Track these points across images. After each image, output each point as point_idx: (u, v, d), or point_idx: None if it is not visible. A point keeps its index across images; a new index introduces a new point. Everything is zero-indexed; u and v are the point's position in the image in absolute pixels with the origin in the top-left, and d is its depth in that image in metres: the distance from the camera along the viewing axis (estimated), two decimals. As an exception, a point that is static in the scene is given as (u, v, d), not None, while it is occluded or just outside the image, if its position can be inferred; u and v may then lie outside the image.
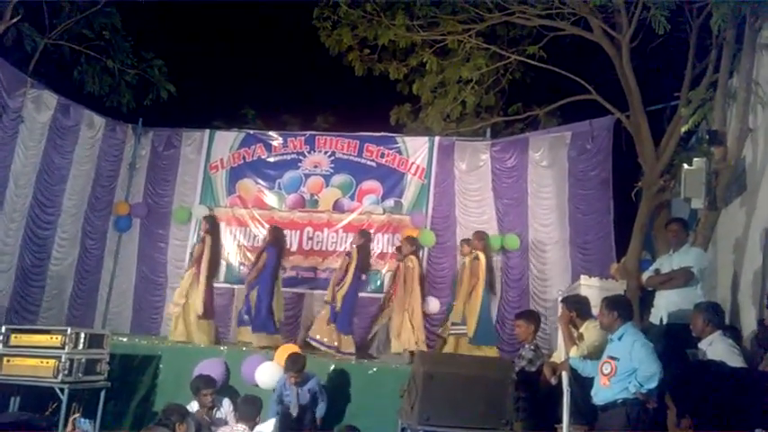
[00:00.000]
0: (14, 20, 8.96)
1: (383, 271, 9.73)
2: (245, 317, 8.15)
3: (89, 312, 10.29)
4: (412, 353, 7.21)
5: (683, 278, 5.56)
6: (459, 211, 9.99)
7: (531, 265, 9.46)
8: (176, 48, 10.96)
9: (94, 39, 10.12)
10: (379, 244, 9.87)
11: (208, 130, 10.84)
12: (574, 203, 9.25)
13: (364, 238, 8.44)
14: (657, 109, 8.21)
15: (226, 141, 10.72)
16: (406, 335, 7.58)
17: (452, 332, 7.74)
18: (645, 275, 6.06)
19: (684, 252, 5.67)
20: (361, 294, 8.66)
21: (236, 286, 9.78)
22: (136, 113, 10.88)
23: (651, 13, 7.11)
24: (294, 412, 6.23)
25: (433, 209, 9.98)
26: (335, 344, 7.70)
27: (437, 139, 10.16)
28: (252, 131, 10.88)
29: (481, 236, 8.25)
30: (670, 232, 5.80)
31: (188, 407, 5.87)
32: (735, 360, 4.56)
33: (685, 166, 6.82)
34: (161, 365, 7.44)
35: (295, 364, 6.26)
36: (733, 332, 5.59)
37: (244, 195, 10.51)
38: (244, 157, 10.63)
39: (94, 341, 6.57)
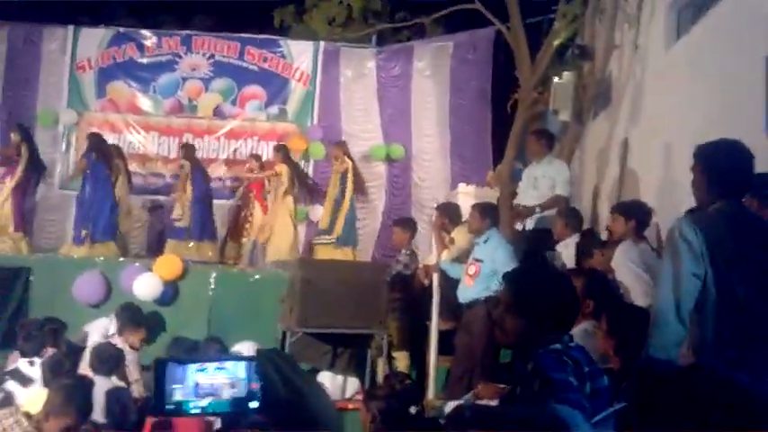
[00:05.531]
0: None
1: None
2: (81, 231, 7.64)
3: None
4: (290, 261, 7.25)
5: (556, 205, 5.65)
6: (345, 121, 9.93)
7: (413, 174, 9.70)
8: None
9: None
10: (264, 152, 9.70)
11: (72, 27, 9.87)
12: (454, 114, 9.46)
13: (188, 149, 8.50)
14: (536, 22, 8.38)
15: (93, 39, 9.85)
16: (278, 243, 7.59)
17: (318, 242, 7.79)
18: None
19: (547, 163, 5.87)
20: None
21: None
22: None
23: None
24: None
25: (318, 117, 9.85)
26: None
27: (322, 44, 9.89)
28: (122, 29, 10.04)
29: (340, 145, 8.25)
30: (531, 143, 6.03)
31: (86, 328, 5.69)
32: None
33: (555, 79, 7.08)
34: (31, 279, 7.07)
35: None
36: (591, 236, 6.05)
37: (116, 99, 9.84)
38: (114, 57, 9.86)
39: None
